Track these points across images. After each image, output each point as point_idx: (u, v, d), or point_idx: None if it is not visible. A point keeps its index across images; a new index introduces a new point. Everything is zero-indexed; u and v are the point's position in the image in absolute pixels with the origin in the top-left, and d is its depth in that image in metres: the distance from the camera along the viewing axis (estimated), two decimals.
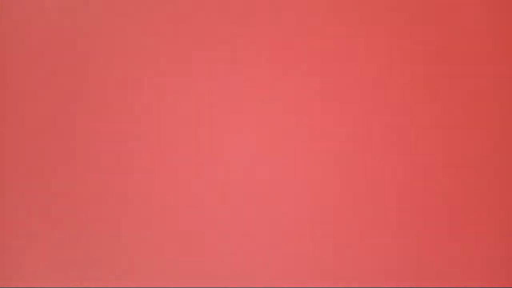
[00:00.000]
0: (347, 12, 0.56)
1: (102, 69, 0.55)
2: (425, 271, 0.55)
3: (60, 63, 0.55)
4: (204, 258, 0.54)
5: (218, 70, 0.55)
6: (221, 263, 0.54)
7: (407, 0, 0.56)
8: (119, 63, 0.55)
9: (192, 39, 0.56)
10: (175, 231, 0.54)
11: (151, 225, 0.54)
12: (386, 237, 0.55)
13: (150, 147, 0.55)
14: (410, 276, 0.55)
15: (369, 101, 0.55)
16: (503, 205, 0.55)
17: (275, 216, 0.55)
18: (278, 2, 0.56)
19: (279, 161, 0.55)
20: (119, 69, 0.55)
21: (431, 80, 0.56)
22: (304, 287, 0.54)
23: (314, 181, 0.55)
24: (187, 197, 0.55)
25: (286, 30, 0.56)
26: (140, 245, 0.54)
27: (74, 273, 0.54)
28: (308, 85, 0.55)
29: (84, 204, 0.54)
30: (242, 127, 0.55)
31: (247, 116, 0.55)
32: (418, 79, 0.56)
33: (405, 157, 0.55)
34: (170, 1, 0.56)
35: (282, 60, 0.56)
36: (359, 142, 0.55)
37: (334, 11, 0.56)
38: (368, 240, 0.55)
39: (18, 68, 0.56)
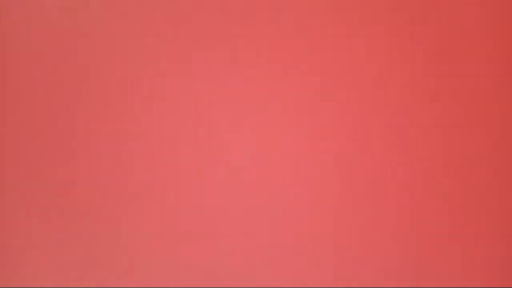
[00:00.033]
0: (347, 12, 0.56)
1: (102, 69, 0.55)
2: (425, 271, 0.55)
3: (60, 63, 0.55)
4: (204, 258, 0.54)
5: (218, 70, 0.55)
6: (221, 263, 0.54)
7: (407, 0, 0.57)
8: (119, 63, 0.55)
9: (192, 39, 0.56)
10: (175, 231, 0.54)
11: (151, 225, 0.54)
12: (386, 237, 0.55)
13: (150, 147, 0.55)
14: (410, 276, 0.55)
15: (369, 101, 0.55)
16: (503, 205, 0.55)
17: (275, 216, 0.55)
18: (278, 2, 0.56)
19: (279, 161, 0.55)
20: (119, 69, 0.55)
21: (431, 80, 0.56)
22: (304, 287, 0.54)
23: (314, 181, 0.55)
24: (187, 197, 0.55)
25: (286, 30, 0.56)
26: (140, 245, 0.54)
27: (74, 273, 0.54)
28: (308, 85, 0.55)
29: (84, 204, 0.54)
30: (242, 127, 0.55)
31: (247, 116, 0.55)
32: (418, 79, 0.56)
33: (405, 157, 0.55)
34: (170, 1, 0.56)
35: (282, 60, 0.56)
36: (359, 142, 0.55)
37: (334, 11, 0.56)
38: (368, 240, 0.55)
39: (18, 68, 0.56)
